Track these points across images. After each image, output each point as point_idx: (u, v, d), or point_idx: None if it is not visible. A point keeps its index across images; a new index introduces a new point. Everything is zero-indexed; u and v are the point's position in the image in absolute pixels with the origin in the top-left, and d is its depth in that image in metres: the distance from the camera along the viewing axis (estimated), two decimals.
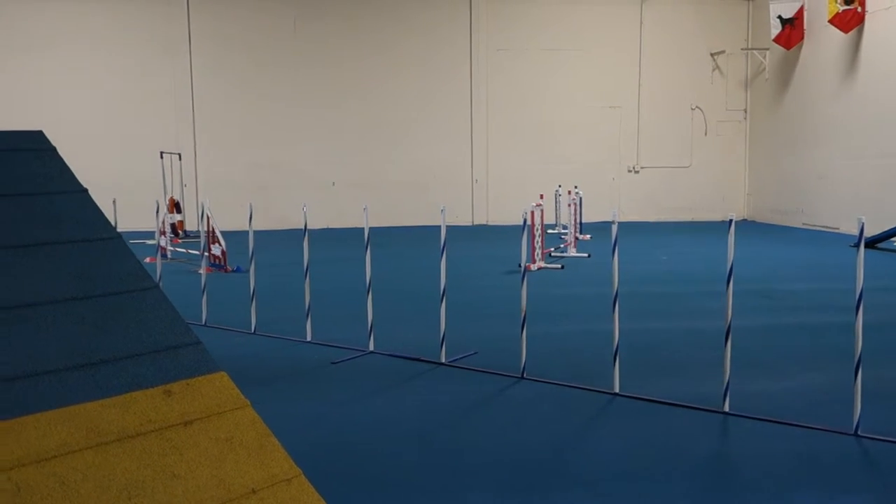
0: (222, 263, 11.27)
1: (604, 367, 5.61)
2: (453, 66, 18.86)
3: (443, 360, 6.13)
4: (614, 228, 5.38)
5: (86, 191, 4.40)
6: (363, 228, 6.53)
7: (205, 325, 7.71)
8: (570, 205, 13.30)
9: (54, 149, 4.68)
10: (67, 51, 17.88)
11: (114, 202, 8.96)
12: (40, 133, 4.83)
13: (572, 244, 12.86)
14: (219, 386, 3.45)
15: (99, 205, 7.24)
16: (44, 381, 3.13)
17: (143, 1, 18.04)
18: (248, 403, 3.46)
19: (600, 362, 5.90)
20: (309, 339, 6.91)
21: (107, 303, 3.64)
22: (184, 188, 17.37)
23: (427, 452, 4.38)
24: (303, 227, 7.16)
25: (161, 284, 8.22)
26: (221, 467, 3.12)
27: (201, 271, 8.17)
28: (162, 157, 16.65)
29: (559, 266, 11.35)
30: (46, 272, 3.69)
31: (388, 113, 18.77)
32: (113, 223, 8.53)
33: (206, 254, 11.35)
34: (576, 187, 14.70)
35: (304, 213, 7.20)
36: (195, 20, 18.20)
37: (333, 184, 18.61)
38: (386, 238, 15.29)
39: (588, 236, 15.04)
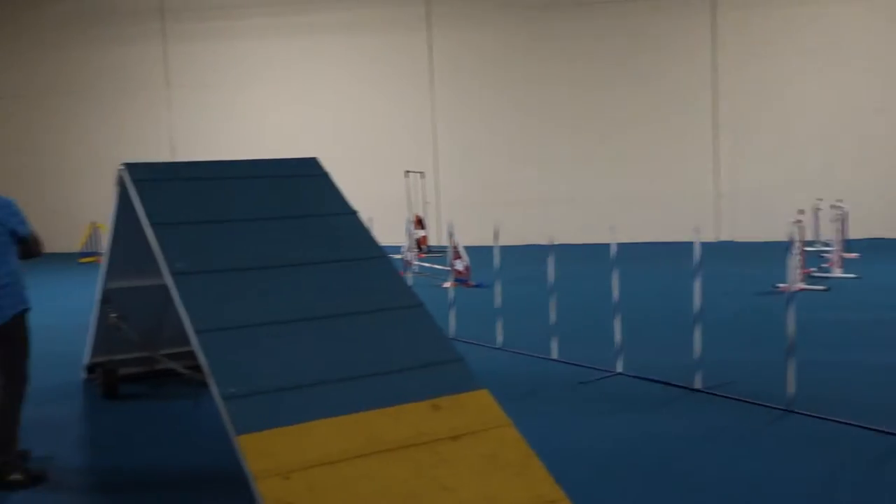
0: (465, 278, 11.62)
1: (891, 406, 5.05)
2: (694, 76, 18.12)
3: (697, 385, 5.85)
4: None
5: (356, 212, 4.73)
6: (604, 244, 6.43)
7: (453, 339, 7.96)
8: (834, 220, 12.22)
9: (327, 174, 5.09)
10: (323, 81, 19.44)
11: (369, 220, 9.54)
12: (314, 160, 5.27)
13: (837, 263, 11.81)
14: (482, 403, 3.54)
15: None
16: (324, 390, 3.38)
17: (387, 30, 19.17)
18: (510, 422, 3.51)
19: (886, 400, 5.32)
20: (555, 356, 6.92)
21: (377, 319, 3.87)
22: (426, 205, 18.17)
23: (676, 489, 4.17)
24: (540, 244, 7.15)
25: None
26: (488, 483, 3.17)
27: (447, 285, 8.45)
28: (407, 176, 17.55)
29: (824, 288, 10.46)
30: (323, 289, 4.00)
31: (627, 127, 18.42)
32: None
33: (448, 269, 11.79)
34: (839, 201, 13.49)
35: (548, 231, 7.23)
36: (437, 43, 19.05)
37: (573, 199, 18.58)
38: (627, 254, 14.97)
39: (856, 255, 13.71)
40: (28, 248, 4.22)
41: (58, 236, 15.80)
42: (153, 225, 4.02)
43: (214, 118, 19.95)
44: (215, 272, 3.86)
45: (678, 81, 18.24)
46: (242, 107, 19.79)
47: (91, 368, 6.27)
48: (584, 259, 13.76)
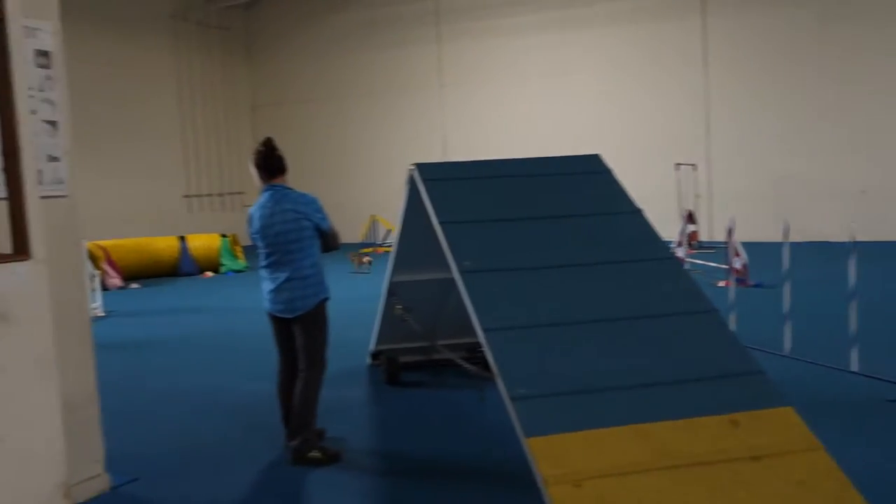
0: (744, 277, 10.90)
1: None
2: None
3: None
4: None
5: (640, 211, 4.55)
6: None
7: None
8: None
9: (610, 170, 4.95)
10: (589, 74, 19.23)
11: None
12: (597, 156, 5.15)
13: None
14: (787, 422, 3.23)
15: None
16: (614, 396, 3.26)
17: (658, 18, 18.49)
18: (821, 446, 3.17)
19: None
20: (854, 369, 6.23)
21: (666, 323, 3.67)
22: (696, 199, 17.34)
23: None
24: (830, 241, 6.44)
25: None
26: None
27: (723, 284, 7.95)
28: (677, 169, 16.85)
29: None
30: (611, 291, 3.87)
31: None
32: None
33: (724, 266, 11.11)
34: None
35: (852, 227, 6.51)
36: (711, 30, 18.05)
37: (863, 192, 16.76)
38: None
39: None
40: (328, 241, 4.56)
41: (342, 229, 17.19)
42: (441, 223, 4.14)
43: (483, 116, 20.55)
44: (502, 271, 3.89)
45: None
46: (510, 104, 20.17)
47: (375, 355, 6.68)
48: (883, 258, 12.36)
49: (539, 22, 19.83)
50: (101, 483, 4.23)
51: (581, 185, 4.64)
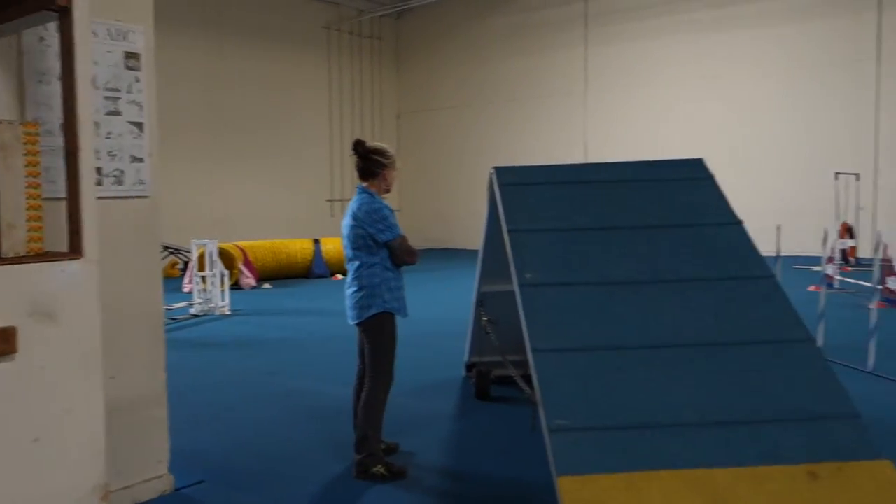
0: None
1: None
2: None
3: None
4: None
5: (741, 223, 4.05)
6: None
7: (871, 373, 6.67)
8: None
9: (712, 177, 4.47)
10: (737, 76, 18.11)
11: (778, 228, 8.50)
12: (700, 161, 4.67)
13: None
14: (881, 479, 2.71)
15: (763, 229, 6.82)
16: (675, 434, 2.87)
17: (825, 14, 17.12)
18: None
19: None
20: None
21: (750, 352, 3.21)
22: (859, 211, 15.90)
23: None
24: None
25: (824, 318, 7.46)
26: None
27: (872, 306, 7.12)
28: (837, 178, 15.52)
29: None
30: (689, 312, 3.44)
31: None
32: (775, 250, 8.11)
33: (880, 287, 10.04)
34: None
35: None
36: (887, 27, 16.49)
37: None
38: None
39: None
40: (395, 255, 4.34)
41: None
42: (510, 231, 3.85)
43: (626, 120, 19.89)
44: (568, 285, 3.55)
45: None
46: (654, 108, 19.41)
47: (469, 367, 6.45)
48: None
49: (688, 23, 18.92)
50: (164, 484, 4.24)
51: (676, 192, 4.20)
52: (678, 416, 2.88)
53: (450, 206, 22.13)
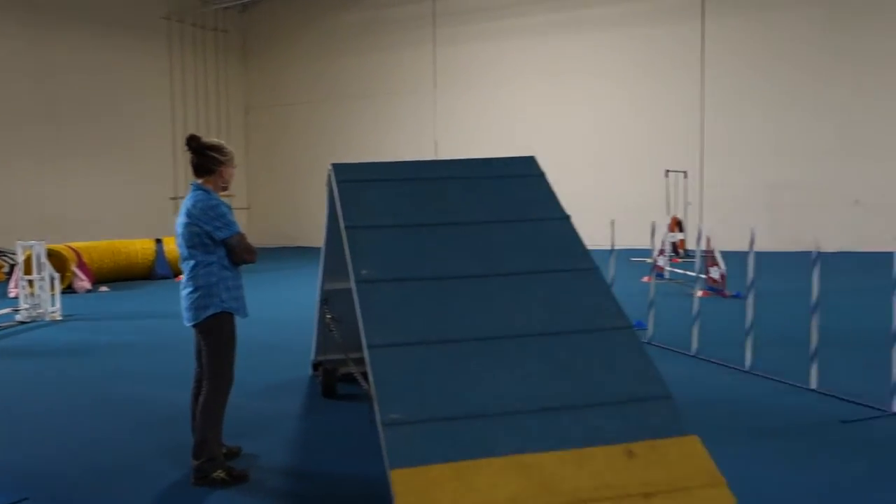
0: (721, 288, 10.59)
1: None
2: None
3: None
4: None
5: (569, 218, 4.25)
6: (889, 253, 5.35)
7: (695, 357, 7.18)
8: None
9: (543, 174, 4.65)
10: (581, 77, 18.95)
11: (612, 223, 8.96)
12: (531, 159, 4.85)
13: None
14: (689, 453, 2.93)
15: (600, 224, 7.15)
16: (503, 422, 2.97)
17: (655, 22, 18.19)
18: (724, 481, 2.86)
19: None
20: (813, 386, 5.92)
21: (575, 341, 3.38)
22: (687, 206, 17.01)
23: None
24: (819, 251, 6.10)
25: (654, 306, 7.94)
26: None
27: (698, 295, 7.64)
28: (667, 176, 16.54)
29: None
30: (522, 303, 3.58)
31: None
32: (609, 244, 8.55)
33: (703, 276, 10.80)
34: None
35: (816, 238, 6.19)
36: (710, 35, 17.73)
37: (857, 202, 16.41)
38: None
39: None
40: (233, 253, 4.24)
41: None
42: (346, 228, 3.86)
43: (474, 117, 20.32)
44: (403, 281, 3.60)
45: None
46: (501, 106, 19.93)
47: (316, 366, 6.42)
48: (866, 270, 12.02)
49: (534, 25, 19.58)
50: None
51: (509, 188, 4.34)
52: (507, 404, 2.99)
53: (302, 204, 21.80)
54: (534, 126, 19.13)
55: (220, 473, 4.25)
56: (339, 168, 4.38)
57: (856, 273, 12.61)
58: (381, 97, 21.61)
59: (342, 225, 3.91)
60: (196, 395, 4.49)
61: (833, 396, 5.72)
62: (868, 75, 16.47)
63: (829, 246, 15.34)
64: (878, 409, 5.35)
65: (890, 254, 5.42)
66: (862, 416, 5.26)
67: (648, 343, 7.74)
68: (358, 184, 4.24)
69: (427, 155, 20.28)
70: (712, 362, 6.96)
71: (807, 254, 6.14)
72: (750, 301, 6.71)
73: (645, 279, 10.99)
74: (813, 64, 16.93)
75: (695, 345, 7.28)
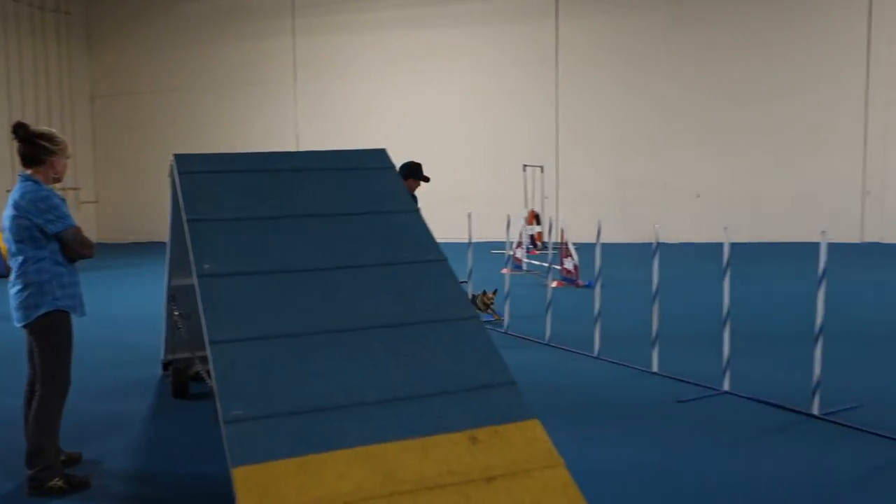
0: (574, 278, 11.01)
1: None
2: (844, 62, 16.57)
3: (815, 411, 5.08)
4: None
5: (418, 210, 4.29)
6: (734, 244, 5.73)
7: (547, 345, 7.43)
8: None
9: (393, 166, 4.68)
10: (444, 73, 19.15)
11: (469, 216, 9.13)
12: (383, 151, 4.86)
13: None
14: (530, 436, 3.02)
15: (457, 218, 7.27)
16: (350, 415, 2.96)
17: (512, 19, 18.64)
18: (562, 462, 2.98)
19: None
20: (655, 369, 6.26)
21: (422, 331, 3.41)
22: (544, 200, 17.56)
23: None
24: (662, 242, 6.45)
25: (509, 296, 8.14)
26: None
27: (553, 285, 7.90)
28: (524, 170, 16.99)
29: None
30: (370, 294, 3.58)
31: (765, 117, 17.11)
32: (467, 236, 8.69)
33: (557, 267, 11.19)
34: None
35: (656, 229, 6.55)
36: (563, 34, 18.34)
37: (698, 196, 17.47)
38: (756, 256, 13.89)
39: None
40: (67, 248, 4.01)
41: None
42: (189, 221, 3.73)
43: (337, 110, 20.11)
44: (248, 275, 3.52)
45: (826, 72, 16.73)
46: (363, 98, 19.83)
47: (166, 365, 6.19)
48: (707, 259, 12.82)
49: (395, 19, 19.58)
50: None
51: (358, 181, 4.33)
52: (353, 396, 2.99)
53: (154, 198, 20.84)
54: (395, 120, 19.17)
55: (57, 482, 4.02)
56: (181, 159, 4.23)
57: (697, 262, 13.41)
58: (239, 88, 21.01)
59: (184, 218, 3.78)
60: (29, 401, 4.23)
61: (672, 378, 6.07)
62: (705, 76, 17.52)
63: (673, 237, 16.28)
64: (712, 389, 5.72)
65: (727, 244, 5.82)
66: (697, 396, 5.61)
67: (505, 332, 7.96)
68: (202, 175, 4.11)
69: (288, 148, 19.91)
70: (564, 349, 7.23)
71: (659, 245, 6.47)
72: (598, 290, 7.01)
73: (504, 271, 11.25)
74: (656, 65, 17.84)
75: (548, 333, 7.53)
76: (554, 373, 6.51)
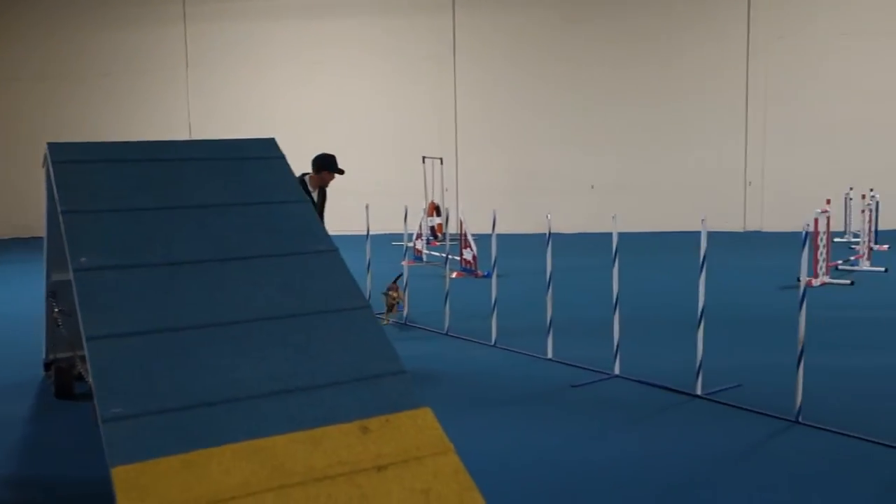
0: (473, 268, 11.11)
1: None
2: (727, 58, 17.33)
3: (698, 391, 5.30)
4: None
5: (308, 201, 4.23)
6: (622, 234, 5.90)
7: (447, 335, 7.48)
8: (863, 210, 11.49)
9: (283, 157, 4.58)
10: (342, 63, 18.96)
11: (366, 207, 9.07)
12: (272, 141, 4.76)
13: (866, 256, 11.09)
14: (421, 424, 3.02)
15: (359, 209, 7.24)
16: (237, 408, 2.89)
17: (410, 11, 18.63)
18: (452, 448, 2.99)
19: None
20: (549, 356, 6.39)
21: (312, 322, 3.36)
22: (444, 192, 17.64)
23: None
24: (558, 232, 6.58)
25: (408, 288, 8.15)
26: None
27: (453, 276, 7.94)
28: (424, 162, 17.02)
29: (848, 282, 9.79)
30: (257, 287, 3.50)
31: (654, 112, 17.70)
32: (365, 228, 8.64)
33: (455, 258, 11.28)
34: (871, 190, 12.74)
35: (549, 220, 6.68)
36: (460, 28, 18.45)
37: (592, 187, 17.94)
38: (645, 245, 14.36)
39: (885, 247, 12.98)
40: None
41: None
42: (63, 213, 3.56)
43: (232, 100, 19.59)
44: (129, 268, 3.39)
45: (711, 65, 17.44)
46: (260, 88, 19.41)
47: (48, 365, 5.90)
48: (600, 249, 13.16)
49: (289, 8, 19.23)
50: None
51: (245, 171, 4.23)
52: (241, 389, 2.92)
53: (37, 191, 19.84)
54: (295, 111, 18.85)
55: None
56: (56, 148, 4.03)
57: (591, 252, 13.74)
58: (126, 76, 20.18)
59: (59, 210, 3.60)
60: None
61: (566, 364, 6.21)
62: (598, 73, 17.98)
63: (570, 227, 16.66)
64: (603, 373, 5.89)
65: (621, 234, 6.00)
66: (590, 380, 5.77)
67: (405, 323, 7.96)
68: (77, 165, 3.92)
69: (182, 137, 19.30)
70: (462, 339, 7.29)
71: (551, 235, 6.59)
72: (494, 280, 7.09)
73: (405, 262, 11.24)
74: (551, 61, 18.18)
75: (447, 323, 7.57)
76: (452, 362, 6.56)
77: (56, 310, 5.14)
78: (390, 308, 8.08)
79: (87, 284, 3.22)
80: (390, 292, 8.21)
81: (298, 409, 2.94)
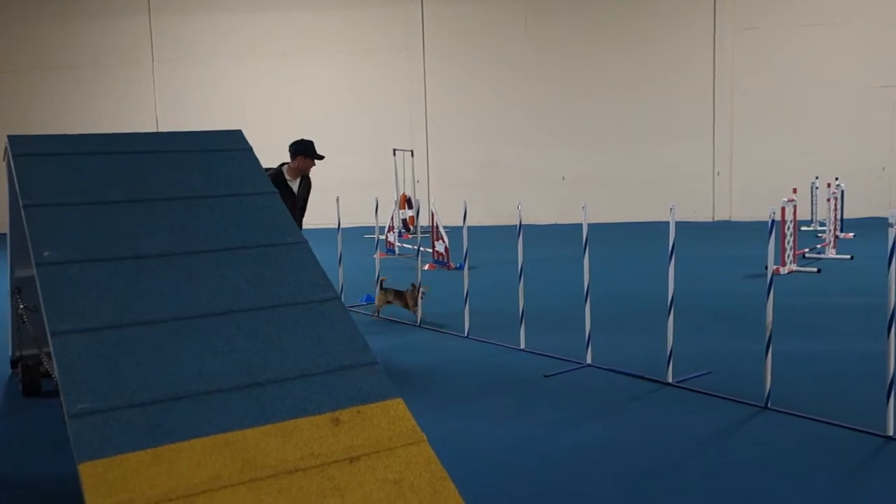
0: (446, 260, 11.11)
1: (872, 402, 4.55)
2: (694, 49, 17.48)
3: (669, 379, 5.35)
4: (893, 229, 4.30)
5: (276, 193, 4.19)
6: (593, 224, 5.92)
7: (419, 326, 7.47)
8: (829, 199, 11.66)
9: (250, 149, 4.53)
10: (311, 56, 18.82)
11: (337, 200, 9.03)
12: (239, 132, 4.71)
13: (831, 244, 11.26)
14: (393, 415, 3.01)
15: (327, 202, 7.18)
16: (207, 402, 2.86)
17: (378, 2, 18.53)
18: (424, 438, 2.99)
19: (867, 395, 4.82)
20: (522, 346, 6.41)
21: (282, 315, 3.33)
22: (416, 184, 17.61)
23: (644, 497, 3.68)
24: (530, 224, 6.60)
25: (382, 281, 8.11)
26: None
27: (426, 268, 7.92)
28: (395, 154, 16.97)
29: (815, 270, 9.93)
30: (226, 279, 3.46)
31: (623, 103, 17.80)
32: (336, 221, 8.59)
33: (429, 251, 11.27)
34: (836, 179, 12.93)
35: (519, 210, 6.69)
36: (428, 19, 18.39)
37: (563, 178, 18.01)
38: (616, 235, 14.45)
39: (851, 235, 13.19)
40: None
41: None
42: (25, 207, 3.49)
43: (200, 93, 19.39)
44: (94, 262, 3.33)
45: (679, 56, 17.57)
46: (229, 82, 19.23)
47: (15, 363, 5.80)
48: (571, 240, 13.23)
49: (257, 1, 19.05)
50: None
51: (214, 163, 4.17)
52: (210, 383, 2.89)
53: (2, 186, 19.51)
54: (264, 103, 18.72)
55: None
56: (16, 140, 3.95)
57: (562, 243, 13.80)
58: (90, 69, 19.87)
59: (21, 203, 3.53)
60: None
61: (539, 354, 6.23)
62: (566, 67, 18.05)
63: (541, 219, 16.72)
64: (575, 362, 5.92)
65: (591, 224, 6.02)
66: (562, 370, 5.79)
67: (378, 316, 7.93)
68: (40, 157, 3.85)
69: (148, 129, 19.05)
70: (436, 331, 7.28)
71: (522, 227, 6.59)
72: (466, 272, 7.09)
73: (378, 255, 11.21)
74: (519, 54, 18.22)
75: (419, 315, 7.56)
76: (426, 354, 6.55)
77: (22, 306, 5.05)
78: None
79: (51, 279, 3.16)
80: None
81: (268, 402, 2.91)
